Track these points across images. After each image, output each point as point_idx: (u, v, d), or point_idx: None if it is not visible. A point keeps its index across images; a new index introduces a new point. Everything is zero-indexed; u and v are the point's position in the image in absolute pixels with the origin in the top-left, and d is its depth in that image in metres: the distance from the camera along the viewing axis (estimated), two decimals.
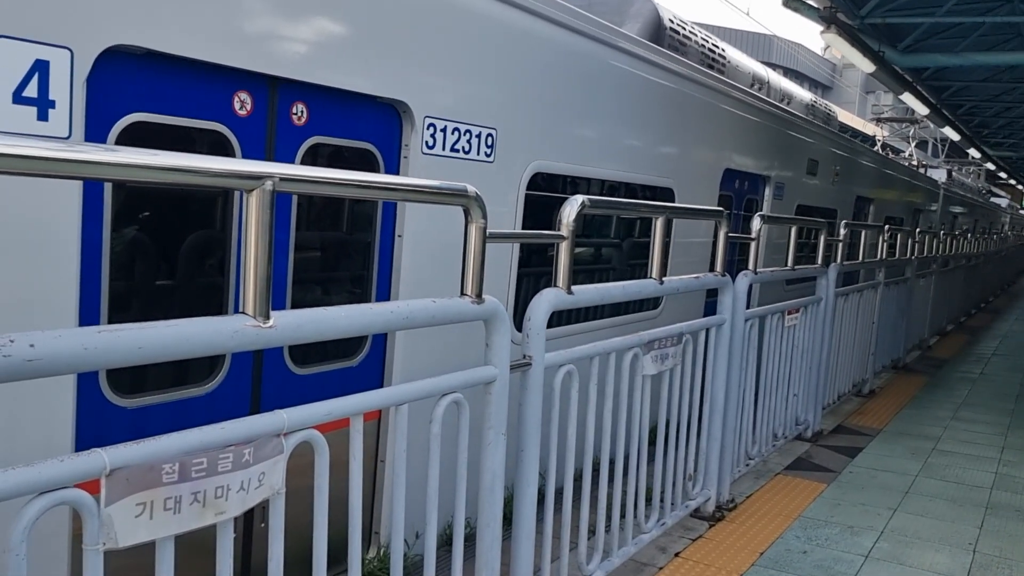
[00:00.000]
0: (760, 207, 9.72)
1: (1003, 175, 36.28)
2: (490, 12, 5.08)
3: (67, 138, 3.05)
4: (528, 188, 5.54)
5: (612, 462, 3.95)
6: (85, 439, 3.29)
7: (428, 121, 4.64)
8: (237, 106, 3.79)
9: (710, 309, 5.02)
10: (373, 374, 4.71)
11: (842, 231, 7.46)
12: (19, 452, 2.97)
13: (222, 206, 3.90)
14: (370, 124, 4.45)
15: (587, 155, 6.18)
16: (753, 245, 5.42)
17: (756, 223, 5.46)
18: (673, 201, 7.37)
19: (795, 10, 9.76)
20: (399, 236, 4.68)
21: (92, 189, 3.27)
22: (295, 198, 4.14)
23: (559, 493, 3.66)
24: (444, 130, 4.75)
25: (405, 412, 2.63)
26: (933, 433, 7.61)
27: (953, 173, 29.90)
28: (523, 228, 5.53)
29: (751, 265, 5.36)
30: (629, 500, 4.15)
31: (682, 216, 6.80)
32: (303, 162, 4.12)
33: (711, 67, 8.60)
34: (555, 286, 3.36)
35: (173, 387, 3.73)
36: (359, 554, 2.52)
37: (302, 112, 4.10)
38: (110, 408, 3.47)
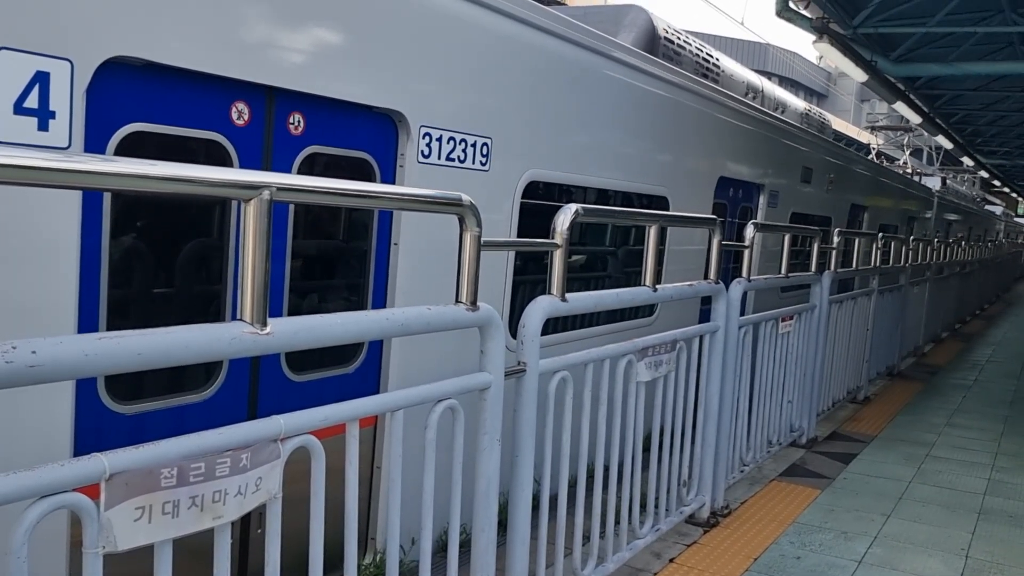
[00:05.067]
0: (755, 215, 9.77)
1: (997, 183, 36.43)
2: (485, 22, 5.13)
3: (67, 148, 3.08)
4: (523, 196, 5.58)
5: (607, 468, 3.98)
6: (83, 445, 3.32)
7: (424, 130, 4.68)
8: (235, 116, 3.83)
9: (705, 317, 5.05)
10: (369, 381, 4.74)
11: (836, 239, 7.50)
12: (18, 458, 2.99)
13: (220, 215, 3.93)
14: (366, 134, 4.49)
15: (582, 164, 6.22)
16: (747, 253, 5.47)
17: (750, 231, 5.51)
18: (668, 209, 7.42)
19: (788, 20, 9.83)
20: (395, 244, 4.71)
21: (91, 198, 3.30)
22: (292, 207, 4.17)
23: (554, 499, 3.68)
24: (440, 139, 4.79)
25: (401, 418, 2.65)
26: (927, 439, 7.65)
27: (947, 181, 30.01)
28: (518, 236, 5.57)
29: (745, 273, 5.40)
30: (624, 506, 4.17)
31: (675, 224, 6.84)
32: (300, 171, 4.15)
33: (705, 76, 8.66)
34: (549, 293, 3.40)
35: (171, 394, 3.75)
36: (355, 560, 2.54)
37: (299, 122, 4.14)
38: (108, 414, 3.50)
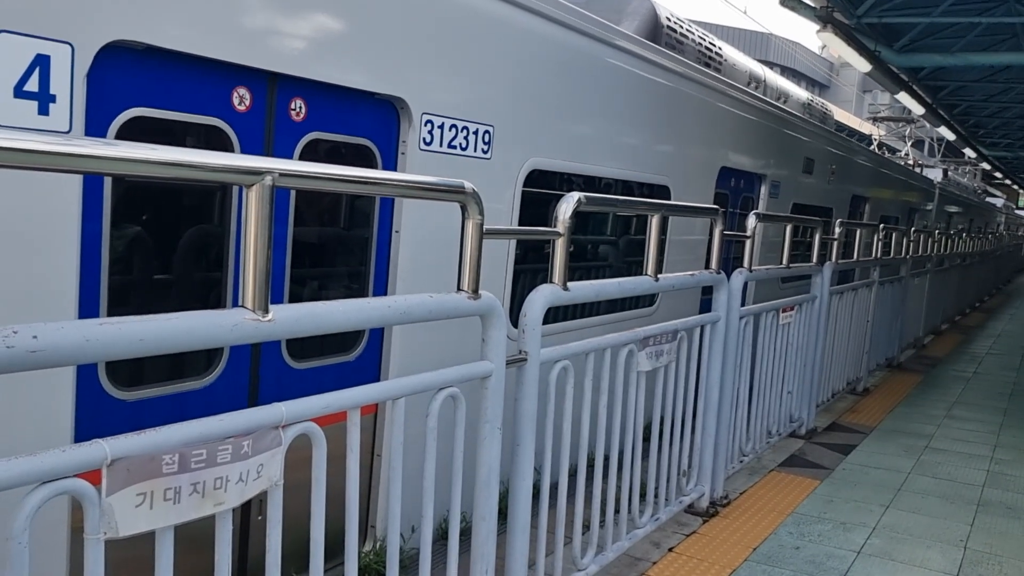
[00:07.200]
0: (756, 205, 9.75)
1: (998, 175, 36.37)
2: (487, 9, 5.10)
3: (67, 132, 3.07)
4: (525, 185, 5.57)
5: (607, 457, 3.98)
6: (84, 431, 3.31)
7: (426, 117, 4.66)
8: (236, 101, 3.81)
9: (706, 307, 5.04)
10: (370, 369, 4.74)
11: (837, 230, 7.49)
12: (19, 444, 2.99)
13: (220, 201, 3.92)
14: (368, 120, 4.47)
15: (584, 152, 6.20)
16: (748, 243, 5.45)
17: (751, 221, 5.49)
18: (669, 199, 7.40)
19: (792, 9, 9.78)
20: (396, 232, 4.70)
21: (92, 183, 3.29)
22: (293, 193, 4.16)
23: (554, 488, 3.68)
24: (442, 127, 4.77)
25: (402, 406, 2.65)
26: (926, 431, 7.66)
27: (949, 173, 29.94)
28: (520, 224, 5.55)
29: (746, 263, 5.38)
30: (623, 495, 4.18)
31: (677, 214, 6.83)
32: (301, 157, 4.14)
33: (708, 65, 8.63)
34: (551, 282, 3.39)
35: (171, 380, 3.75)
36: (355, 547, 2.54)
37: (300, 108, 4.12)
38: (109, 401, 3.49)
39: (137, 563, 2.73)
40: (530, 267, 6.01)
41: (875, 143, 26.73)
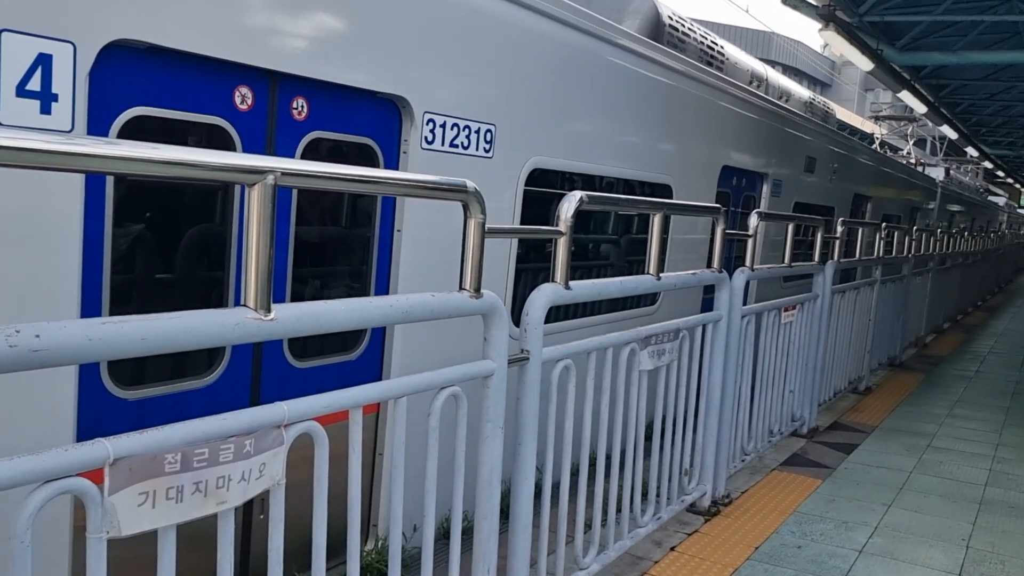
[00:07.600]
0: (758, 204, 9.74)
1: (1000, 174, 36.34)
2: (488, 8, 5.10)
3: (70, 131, 3.07)
4: (526, 184, 5.56)
5: (609, 457, 3.98)
6: (86, 430, 3.32)
7: (428, 117, 4.66)
8: (238, 100, 3.81)
9: (707, 306, 5.04)
10: (372, 368, 4.74)
11: (839, 229, 7.48)
12: (21, 443, 2.99)
13: (222, 200, 3.92)
14: (370, 119, 4.47)
15: (585, 151, 6.20)
16: (750, 242, 5.45)
17: (753, 220, 5.48)
18: (671, 198, 7.39)
19: (794, 7, 9.78)
20: (398, 231, 4.70)
21: (94, 183, 3.29)
22: (295, 192, 4.16)
23: (556, 487, 3.68)
24: (443, 126, 4.77)
25: (404, 405, 2.65)
26: (928, 430, 7.65)
27: (951, 171, 29.92)
28: (521, 223, 5.55)
29: (748, 262, 5.38)
30: (625, 494, 4.18)
31: (679, 212, 6.82)
32: (303, 157, 4.14)
33: (710, 64, 8.62)
34: (553, 281, 3.38)
35: (173, 379, 3.75)
36: (357, 546, 2.54)
37: (302, 107, 4.12)
38: (111, 400, 3.50)
39: (139, 562, 2.74)
40: (532, 266, 6.00)
41: (877, 142, 26.71)
